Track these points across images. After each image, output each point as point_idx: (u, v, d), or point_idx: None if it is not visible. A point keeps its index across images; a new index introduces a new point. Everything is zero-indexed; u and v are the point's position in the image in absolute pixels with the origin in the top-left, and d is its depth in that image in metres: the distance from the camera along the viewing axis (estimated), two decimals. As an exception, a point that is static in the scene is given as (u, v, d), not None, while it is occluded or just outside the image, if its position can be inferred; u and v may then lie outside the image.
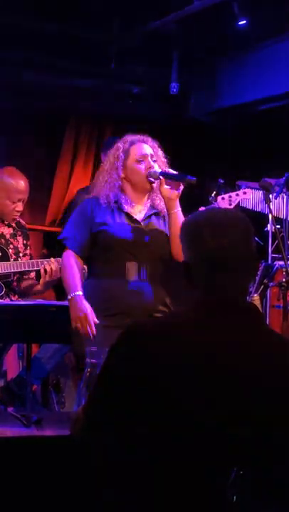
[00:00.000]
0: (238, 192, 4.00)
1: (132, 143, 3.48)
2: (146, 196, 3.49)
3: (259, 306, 4.22)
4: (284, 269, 4.31)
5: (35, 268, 4.31)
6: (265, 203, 4.48)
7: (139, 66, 5.55)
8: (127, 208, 3.42)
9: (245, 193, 3.99)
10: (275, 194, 4.78)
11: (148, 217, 3.45)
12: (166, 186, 3.39)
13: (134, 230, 3.39)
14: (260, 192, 4.82)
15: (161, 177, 3.38)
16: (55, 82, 5.40)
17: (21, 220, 4.58)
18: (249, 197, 4.14)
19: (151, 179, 3.40)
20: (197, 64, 5.60)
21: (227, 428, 1.70)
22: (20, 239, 4.51)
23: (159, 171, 3.40)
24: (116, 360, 1.78)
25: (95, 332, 3.24)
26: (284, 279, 4.27)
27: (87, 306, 3.28)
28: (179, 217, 3.38)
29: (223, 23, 4.86)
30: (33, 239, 4.90)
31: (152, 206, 3.49)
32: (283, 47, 5.03)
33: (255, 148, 5.60)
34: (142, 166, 3.42)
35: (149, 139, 3.51)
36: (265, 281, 4.27)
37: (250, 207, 5.09)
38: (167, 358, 1.71)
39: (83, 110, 5.84)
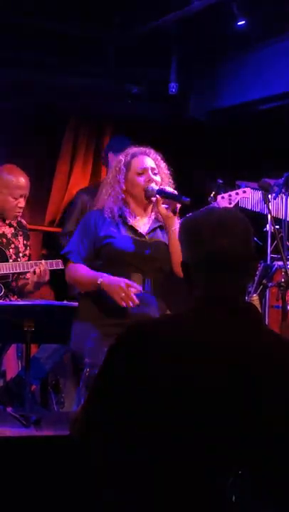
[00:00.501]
0: (237, 191, 4.00)
1: (134, 155, 3.44)
2: (150, 209, 3.47)
3: (258, 306, 4.22)
4: (283, 270, 4.31)
5: (26, 270, 4.32)
6: (264, 203, 4.48)
7: (138, 66, 5.54)
8: (131, 221, 3.41)
9: (245, 191, 3.99)
10: (274, 194, 4.78)
11: (153, 230, 3.44)
12: (163, 205, 3.37)
13: (139, 243, 3.38)
14: (260, 192, 4.81)
15: (157, 195, 3.36)
16: (55, 81, 5.39)
17: (23, 220, 4.59)
18: (249, 196, 4.15)
19: (149, 195, 3.39)
20: (197, 64, 5.59)
21: (227, 428, 1.70)
22: (21, 239, 4.52)
23: (157, 188, 3.37)
24: (116, 359, 1.78)
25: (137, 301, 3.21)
26: (283, 280, 4.26)
27: (120, 279, 3.25)
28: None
29: (223, 23, 4.85)
30: (33, 239, 4.91)
31: (156, 219, 3.47)
32: (283, 47, 5.02)
33: (255, 148, 5.59)
34: (142, 179, 3.39)
35: (152, 152, 3.47)
36: (264, 281, 4.26)
37: (249, 207, 5.08)
38: (167, 358, 1.71)
39: (83, 110, 5.83)
